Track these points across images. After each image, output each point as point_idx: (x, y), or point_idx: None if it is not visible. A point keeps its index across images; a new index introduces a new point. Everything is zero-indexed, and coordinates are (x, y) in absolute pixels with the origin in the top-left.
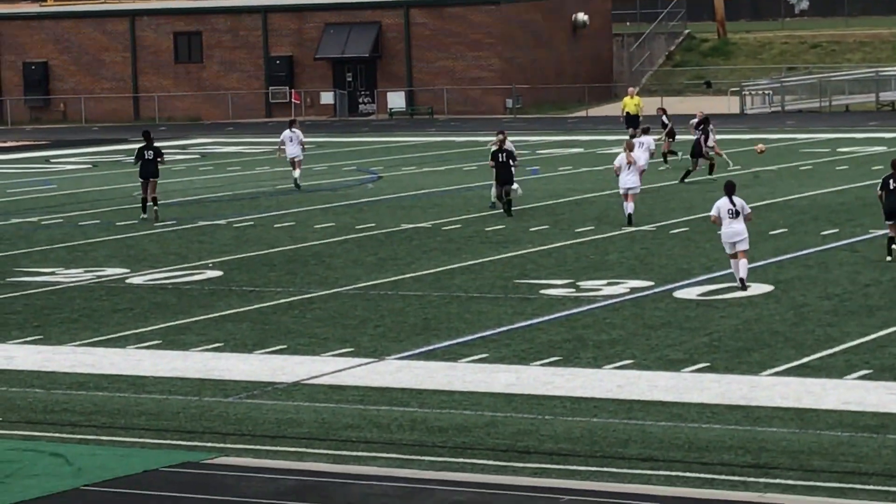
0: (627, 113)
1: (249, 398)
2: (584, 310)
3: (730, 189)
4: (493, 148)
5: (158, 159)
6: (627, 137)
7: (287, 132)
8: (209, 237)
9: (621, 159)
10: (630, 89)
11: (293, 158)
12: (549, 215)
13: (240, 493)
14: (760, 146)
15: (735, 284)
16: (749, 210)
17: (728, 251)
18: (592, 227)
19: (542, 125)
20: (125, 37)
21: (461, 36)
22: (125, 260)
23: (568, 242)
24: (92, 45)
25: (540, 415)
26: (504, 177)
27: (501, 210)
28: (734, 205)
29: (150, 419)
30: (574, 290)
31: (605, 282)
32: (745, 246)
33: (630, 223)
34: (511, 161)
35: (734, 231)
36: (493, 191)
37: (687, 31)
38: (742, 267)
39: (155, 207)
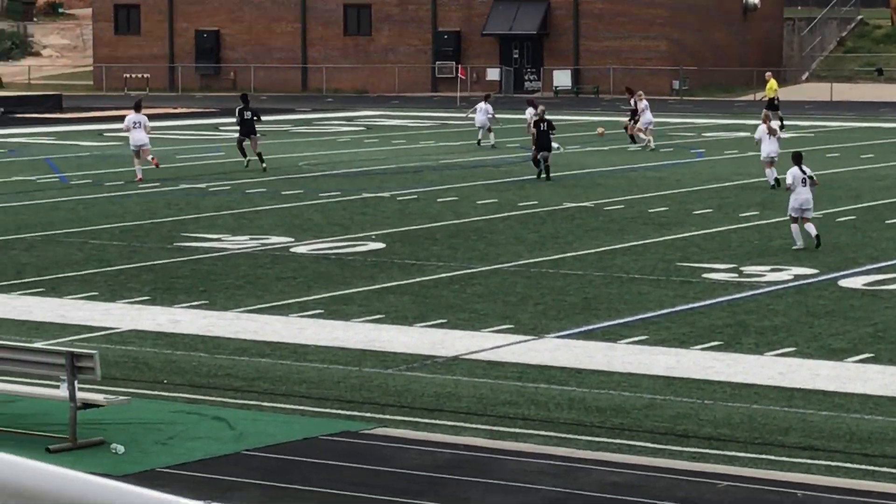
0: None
1: (409, 370)
2: (747, 295)
3: (798, 158)
4: (536, 118)
5: (255, 118)
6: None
7: (482, 104)
8: (372, 209)
9: (762, 131)
10: (767, 74)
11: (481, 127)
12: (714, 198)
13: (397, 465)
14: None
15: None
16: (816, 178)
17: (794, 214)
18: (756, 213)
19: (708, 108)
20: (296, 8)
21: (630, 15)
22: (290, 229)
23: (732, 227)
24: (263, 16)
25: (699, 399)
26: (544, 144)
27: (541, 174)
28: (804, 173)
29: (311, 387)
30: (737, 275)
31: (768, 268)
32: (811, 214)
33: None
34: (550, 130)
35: (805, 198)
36: (532, 154)
37: (860, 17)
38: (811, 228)
39: (263, 164)
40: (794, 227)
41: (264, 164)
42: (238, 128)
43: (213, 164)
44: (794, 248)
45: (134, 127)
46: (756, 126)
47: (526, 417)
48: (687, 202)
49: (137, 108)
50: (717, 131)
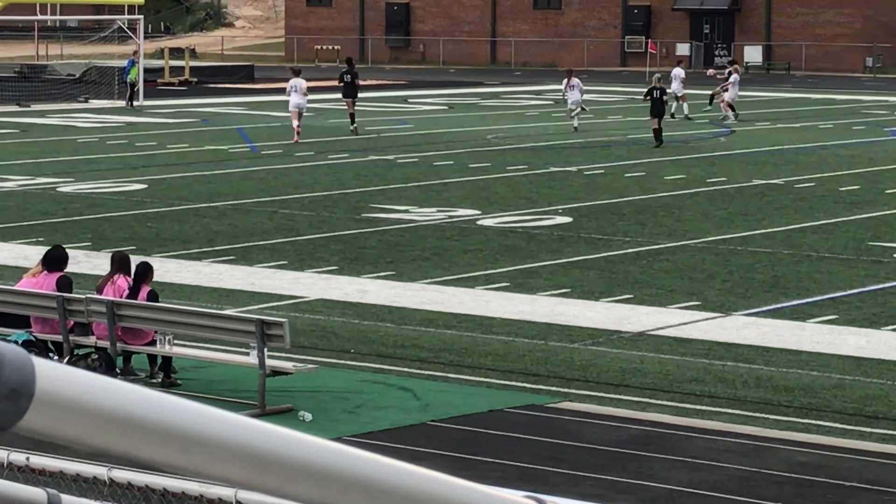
0: None
1: (594, 345)
2: None
3: None
4: (651, 86)
5: (357, 82)
6: None
7: (575, 79)
8: (559, 183)
9: None
10: None
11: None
12: None
13: (583, 439)
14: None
15: None
16: None
17: None
18: None
19: None
20: None
21: None
22: (476, 202)
23: None
24: None
25: (890, 380)
26: (658, 110)
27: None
28: None
29: (497, 360)
30: None
31: None
32: None
33: None
34: (664, 96)
35: None
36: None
37: None
38: None
39: (353, 124)
40: None
41: (354, 126)
42: (341, 91)
43: (401, 136)
44: None
45: (293, 91)
46: None
47: (712, 395)
48: (879, 181)
49: (296, 74)
50: None
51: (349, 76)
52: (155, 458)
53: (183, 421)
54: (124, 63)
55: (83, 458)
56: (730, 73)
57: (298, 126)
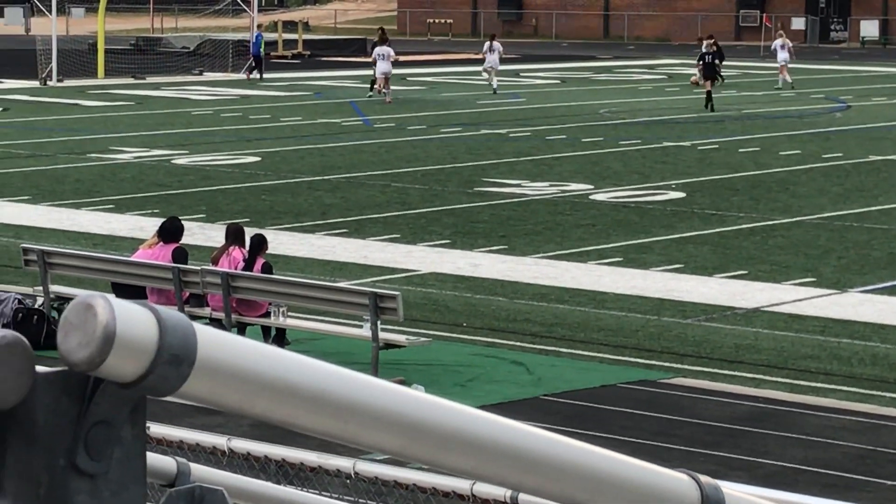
0: None
1: (708, 321)
2: None
3: None
4: (703, 51)
5: (392, 61)
6: None
7: (493, 43)
8: (673, 158)
9: None
10: None
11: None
12: None
13: (695, 415)
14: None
15: None
16: None
17: None
18: None
19: None
20: None
21: None
22: (589, 176)
23: None
24: None
25: None
26: (710, 74)
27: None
28: None
29: (609, 335)
30: None
31: None
32: None
33: None
34: (715, 61)
35: None
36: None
37: None
38: None
39: (370, 91)
40: None
41: (371, 93)
42: (374, 65)
43: (513, 110)
44: None
45: (379, 58)
46: None
47: (828, 372)
48: None
49: (382, 42)
50: None
51: (382, 48)
52: (312, 425)
53: (341, 389)
54: (239, 36)
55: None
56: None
57: (387, 89)
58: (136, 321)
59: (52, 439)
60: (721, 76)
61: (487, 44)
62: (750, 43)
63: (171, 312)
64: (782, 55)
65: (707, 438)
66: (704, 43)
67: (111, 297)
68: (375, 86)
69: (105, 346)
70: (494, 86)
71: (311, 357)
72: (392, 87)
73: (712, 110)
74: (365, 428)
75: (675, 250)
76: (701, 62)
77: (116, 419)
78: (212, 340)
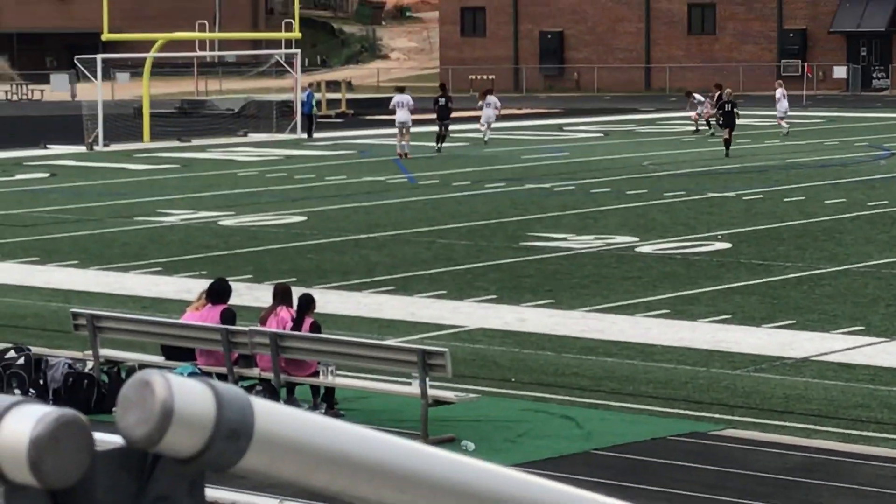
0: None
1: (757, 371)
2: None
3: None
4: (724, 100)
5: (450, 105)
6: None
7: (490, 97)
8: (718, 208)
9: None
10: None
11: (487, 122)
12: None
13: (747, 466)
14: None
15: None
16: None
17: None
18: None
19: None
20: (640, 7)
21: None
22: (634, 228)
23: None
24: (607, 16)
25: None
26: (729, 122)
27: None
28: None
29: (658, 387)
30: None
31: None
32: None
33: None
34: (735, 109)
35: None
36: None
37: None
38: None
39: (438, 145)
40: None
41: (439, 145)
42: (435, 114)
43: (557, 164)
44: None
45: (398, 107)
46: None
47: (879, 421)
48: None
49: (401, 91)
50: None
51: (443, 100)
52: (371, 496)
53: (399, 460)
54: (283, 97)
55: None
56: (717, 97)
57: (404, 144)
58: (193, 397)
59: None
60: (710, 124)
61: (481, 101)
62: (792, 92)
63: (228, 387)
64: (783, 105)
65: (759, 490)
66: (724, 91)
67: (169, 373)
68: (441, 143)
69: (163, 424)
70: (486, 139)
71: (367, 427)
72: (431, 144)
73: (727, 156)
74: (424, 498)
75: (723, 301)
76: (721, 110)
77: (176, 494)
78: (269, 414)
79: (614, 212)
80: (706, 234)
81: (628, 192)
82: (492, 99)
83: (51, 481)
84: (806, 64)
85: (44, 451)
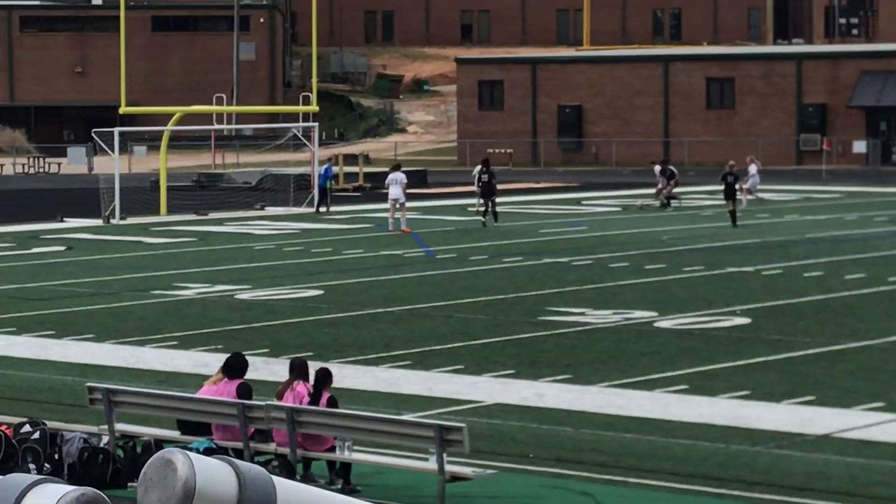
0: None
1: (777, 448)
2: None
3: None
4: (725, 171)
5: (493, 180)
6: None
7: (395, 174)
8: (737, 283)
9: None
10: None
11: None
12: None
13: None
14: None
15: None
16: None
17: None
18: None
19: None
20: (659, 81)
21: None
22: (653, 303)
23: None
24: (625, 90)
25: None
26: (731, 193)
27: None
28: None
29: (678, 464)
30: None
31: None
32: None
33: None
34: (736, 182)
35: None
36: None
37: None
38: None
39: (490, 218)
40: None
41: (488, 219)
42: (479, 189)
43: (575, 238)
44: None
45: (392, 184)
46: None
47: None
48: None
49: (395, 169)
50: None
51: (486, 175)
52: None
53: None
54: (300, 170)
55: None
56: (669, 174)
57: (396, 218)
58: (215, 477)
59: None
60: (668, 200)
61: (477, 170)
62: (811, 167)
63: (250, 466)
64: (754, 181)
65: None
66: (727, 164)
67: (191, 453)
68: (483, 215)
69: (185, 503)
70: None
71: None
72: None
73: (734, 225)
74: None
75: (742, 377)
76: (723, 182)
77: None
78: (291, 494)
79: (633, 286)
80: (725, 310)
81: (647, 267)
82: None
83: None
84: (825, 138)
85: None
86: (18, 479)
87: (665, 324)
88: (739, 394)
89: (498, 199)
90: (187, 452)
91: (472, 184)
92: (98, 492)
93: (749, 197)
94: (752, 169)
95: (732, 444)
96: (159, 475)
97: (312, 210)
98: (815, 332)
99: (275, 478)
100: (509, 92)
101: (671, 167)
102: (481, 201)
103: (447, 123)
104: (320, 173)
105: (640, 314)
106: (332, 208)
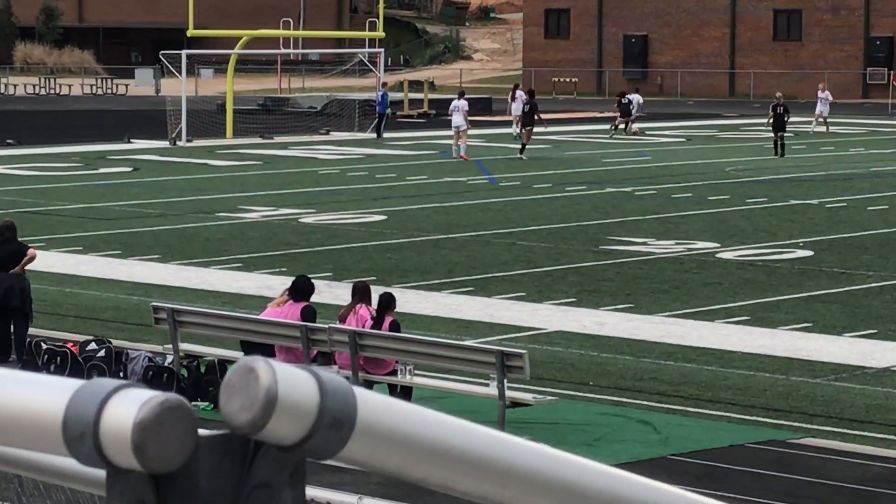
0: None
1: (837, 381)
2: None
3: None
4: (775, 102)
5: (534, 112)
6: None
7: (457, 101)
8: (800, 216)
9: None
10: None
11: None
12: None
13: (825, 476)
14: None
15: None
16: None
17: None
18: None
19: None
20: (725, 12)
21: None
22: (715, 234)
23: None
24: (692, 20)
25: None
26: (779, 125)
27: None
28: None
29: (737, 394)
30: None
31: None
32: None
33: None
34: (786, 114)
35: None
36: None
37: None
38: None
39: (522, 154)
40: None
41: (522, 156)
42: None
43: (638, 168)
44: None
45: (455, 111)
46: None
47: None
48: None
49: (460, 96)
50: None
51: (527, 106)
52: (472, 490)
53: (502, 453)
54: (365, 96)
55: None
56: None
57: (458, 145)
58: (297, 385)
59: (213, 501)
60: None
61: (511, 93)
62: (877, 100)
63: (331, 376)
64: (822, 107)
65: (837, 499)
66: (777, 95)
67: (274, 361)
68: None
69: (267, 410)
70: (515, 133)
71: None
72: (514, 146)
73: (782, 155)
74: (525, 493)
75: (804, 309)
76: (772, 112)
77: (277, 482)
78: (372, 404)
79: (695, 217)
80: (788, 242)
81: (710, 198)
82: (518, 93)
83: (154, 466)
84: (892, 72)
85: (148, 436)
86: (103, 382)
87: (727, 255)
88: (800, 326)
89: (539, 130)
90: (270, 360)
91: (538, 112)
92: (181, 397)
93: (819, 124)
94: (825, 95)
95: (792, 376)
96: (242, 382)
97: (376, 136)
98: (878, 266)
99: (357, 389)
100: (576, 21)
101: (629, 97)
102: (518, 129)
103: (513, 52)
104: (377, 101)
105: (702, 245)
106: (398, 134)
